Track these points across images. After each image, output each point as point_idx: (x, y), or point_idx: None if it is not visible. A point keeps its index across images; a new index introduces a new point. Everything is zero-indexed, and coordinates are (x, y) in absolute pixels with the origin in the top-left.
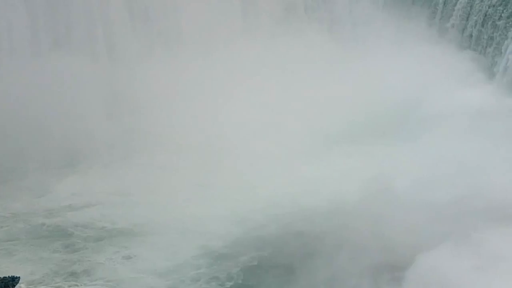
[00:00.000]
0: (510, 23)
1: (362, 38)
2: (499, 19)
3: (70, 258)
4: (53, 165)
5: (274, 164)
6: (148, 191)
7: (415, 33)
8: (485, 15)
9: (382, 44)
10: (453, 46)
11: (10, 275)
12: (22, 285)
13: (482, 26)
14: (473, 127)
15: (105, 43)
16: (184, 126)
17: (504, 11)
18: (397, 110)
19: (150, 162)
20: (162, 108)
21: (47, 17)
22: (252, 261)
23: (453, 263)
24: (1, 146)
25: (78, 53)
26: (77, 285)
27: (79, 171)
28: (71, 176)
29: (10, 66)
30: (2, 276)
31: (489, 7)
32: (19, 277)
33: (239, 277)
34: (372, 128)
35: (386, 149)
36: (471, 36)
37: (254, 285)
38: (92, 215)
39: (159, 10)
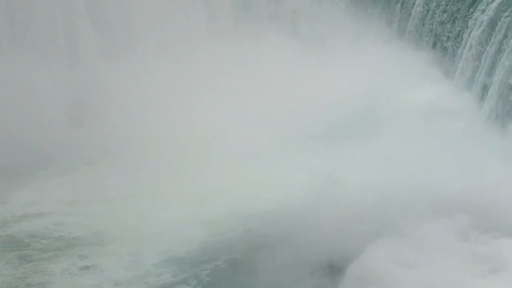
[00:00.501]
0: (466, 24)
1: (323, 38)
2: (455, 20)
3: (25, 270)
4: (9, 172)
5: (238, 167)
6: (108, 198)
7: (375, 34)
8: (442, 16)
9: (343, 45)
10: (411, 46)
11: None
12: None
13: (439, 26)
14: (427, 125)
15: (66, 45)
16: (148, 131)
17: (459, 11)
18: (356, 110)
19: (111, 168)
20: (125, 112)
21: (5, 17)
22: (219, 265)
23: (391, 260)
24: None
25: (38, 55)
26: None
27: (37, 179)
28: (28, 184)
29: None
30: None
31: (445, 10)
32: None
33: (206, 283)
34: (331, 129)
35: (342, 149)
36: (429, 36)
37: None
38: (49, 225)
39: (122, 13)
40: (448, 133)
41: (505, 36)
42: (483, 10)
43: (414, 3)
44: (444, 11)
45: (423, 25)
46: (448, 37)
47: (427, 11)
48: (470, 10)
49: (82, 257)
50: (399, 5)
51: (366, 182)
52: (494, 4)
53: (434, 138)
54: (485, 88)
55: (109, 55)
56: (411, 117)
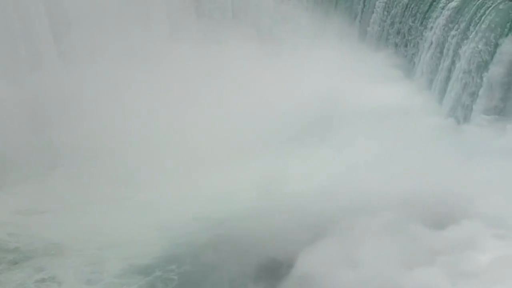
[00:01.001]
0: (426, 24)
1: (286, 39)
2: (414, 21)
3: None
4: None
5: (197, 173)
6: (66, 206)
7: (338, 35)
8: (403, 17)
9: (306, 46)
10: (373, 47)
11: None
12: None
13: (400, 27)
14: (387, 124)
15: (26, 50)
16: (109, 137)
17: (418, 13)
18: (315, 111)
19: (71, 175)
20: (86, 118)
21: None
22: (183, 271)
23: (331, 260)
24: None
25: None
26: None
27: None
28: None
29: None
30: None
31: (405, 8)
32: None
33: None
34: (288, 131)
35: (296, 152)
36: (390, 37)
37: None
38: (3, 235)
39: (82, 16)
40: (407, 132)
41: (463, 38)
42: (442, 7)
43: (375, 5)
44: (404, 13)
45: (384, 26)
46: (409, 38)
47: (388, 13)
48: (429, 10)
49: (38, 270)
50: (360, 6)
51: (317, 184)
52: (453, 3)
53: (393, 137)
54: (444, 87)
55: (69, 59)
56: (371, 117)
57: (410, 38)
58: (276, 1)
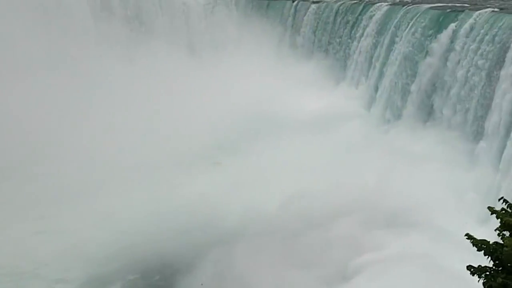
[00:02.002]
0: (355, 32)
1: (217, 50)
2: (345, 29)
3: None
4: None
5: (130, 186)
6: None
7: (269, 41)
8: (333, 25)
9: (237, 56)
10: (304, 53)
11: None
12: None
13: (331, 34)
14: (319, 131)
15: None
16: (25, 153)
17: (348, 21)
18: (247, 121)
19: None
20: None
21: None
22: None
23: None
24: None
25: None
26: None
27: None
28: None
29: None
30: None
31: (335, 16)
32: None
33: None
34: (223, 141)
35: (232, 163)
36: (321, 43)
37: None
38: None
39: (4, 24)
40: (339, 137)
41: (391, 45)
42: (371, 17)
43: (305, 13)
44: (334, 22)
45: (315, 34)
46: (339, 45)
47: (319, 21)
48: (358, 19)
49: None
50: (291, 14)
51: (237, 197)
52: (381, 11)
53: (322, 143)
54: (374, 93)
55: (4, 69)
56: (300, 124)
57: (340, 45)
58: (206, 8)
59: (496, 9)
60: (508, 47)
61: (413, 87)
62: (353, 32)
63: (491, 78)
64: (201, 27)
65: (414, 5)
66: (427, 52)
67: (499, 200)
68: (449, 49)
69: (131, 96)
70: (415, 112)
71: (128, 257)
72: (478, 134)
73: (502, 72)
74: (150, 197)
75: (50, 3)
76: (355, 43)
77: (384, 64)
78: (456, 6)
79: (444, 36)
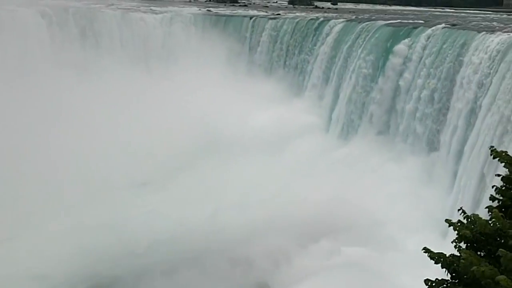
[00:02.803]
0: (312, 48)
1: (174, 65)
2: (302, 45)
3: None
4: None
5: (91, 206)
6: None
7: (227, 59)
8: (290, 41)
9: (193, 72)
10: (262, 70)
11: None
12: None
13: (287, 51)
14: (277, 146)
15: None
16: None
17: (306, 39)
18: (196, 139)
19: None
20: None
21: None
22: None
23: None
24: None
25: None
26: None
27: None
28: None
29: None
30: None
31: (292, 33)
32: None
33: None
34: (181, 158)
35: (177, 184)
36: (278, 61)
37: None
38: None
39: None
40: (293, 153)
41: (347, 61)
42: (327, 33)
43: (262, 31)
44: (291, 39)
45: (272, 52)
46: (296, 62)
47: (275, 39)
48: (314, 35)
49: None
50: (249, 32)
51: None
52: (336, 29)
53: (276, 160)
54: (330, 110)
55: None
56: (258, 141)
57: (297, 61)
58: (164, 24)
59: (448, 25)
60: (461, 61)
61: (369, 102)
62: (310, 48)
63: (445, 93)
64: (158, 43)
65: (369, 22)
66: (382, 68)
67: (458, 210)
68: (404, 64)
69: (84, 113)
70: (371, 127)
71: None
72: (433, 148)
73: (456, 87)
74: (81, 218)
75: (5, 18)
76: (312, 59)
77: (340, 80)
78: (410, 22)
79: (399, 52)
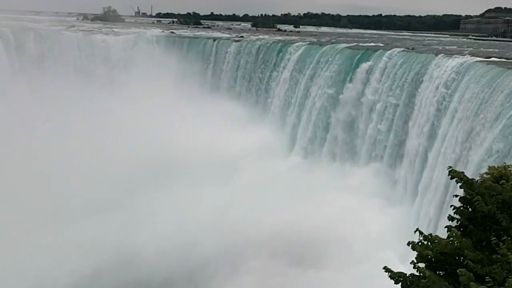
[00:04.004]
0: (275, 71)
1: (136, 88)
2: (265, 67)
3: None
4: None
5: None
6: None
7: (190, 82)
8: (253, 64)
9: (156, 94)
10: (226, 93)
11: None
12: None
13: (251, 74)
14: (238, 169)
15: None
16: None
17: (269, 62)
18: (150, 166)
19: None
20: None
21: None
22: None
23: None
24: None
25: None
26: None
27: None
28: None
29: None
30: None
31: (256, 55)
32: None
33: None
34: (144, 180)
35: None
36: (242, 83)
37: None
38: None
39: None
40: (257, 174)
41: (309, 83)
42: (290, 55)
43: (226, 53)
44: (255, 62)
45: (235, 74)
46: (259, 85)
47: (239, 62)
48: (277, 59)
49: None
50: (212, 56)
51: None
52: (298, 53)
53: (244, 181)
54: (295, 130)
55: None
56: (221, 163)
57: (261, 84)
58: (126, 46)
59: (406, 49)
60: (421, 81)
61: (331, 124)
62: (273, 70)
63: (405, 114)
64: (120, 65)
65: (331, 45)
66: (344, 89)
67: (415, 231)
68: (365, 86)
69: (36, 133)
70: (333, 149)
71: None
72: (396, 167)
73: (415, 109)
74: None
75: None
76: (275, 82)
77: (303, 102)
78: (370, 46)
79: (359, 74)
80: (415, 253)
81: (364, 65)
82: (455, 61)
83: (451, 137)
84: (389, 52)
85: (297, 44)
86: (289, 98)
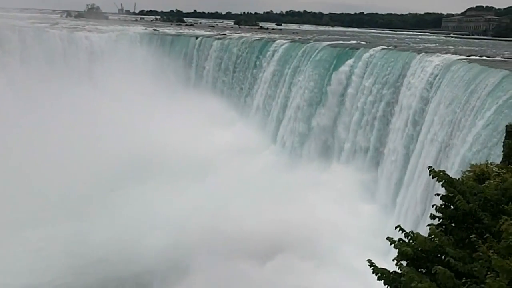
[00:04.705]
0: (257, 69)
1: (119, 85)
2: (248, 65)
3: None
4: None
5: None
6: None
7: (173, 79)
8: (236, 62)
9: (139, 91)
10: (209, 91)
11: None
12: None
13: (233, 71)
14: (221, 167)
15: None
16: None
17: (251, 59)
18: (153, 157)
19: None
20: None
21: None
22: None
23: None
24: None
25: None
26: None
27: None
28: None
29: None
30: None
31: (238, 52)
32: None
33: None
34: (126, 179)
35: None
36: (225, 80)
37: None
38: None
39: None
40: (245, 172)
41: (292, 81)
42: (272, 53)
43: (209, 50)
44: (237, 60)
45: (218, 72)
46: (242, 83)
47: (221, 59)
48: (259, 57)
49: None
50: (195, 54)
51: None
52: (281, 49)
53: (227, 179)
54: (277, 127)
55: None
56: (204, 161)
57: (244, 81)
58: (109, 43)
59: (390, 47)
60: (403, 79)
61: (314, 122)
62: (255, 68)
63: (387, 113)
64: (103, 62)
65: (313, 42)
66: (326, 88)
67: (395, 228)
68: (347, 85)
69: (15, 126)
70: (316, 147)
71: None
72: (376, 166)
73: (396, 108)
74: None
75: None
76: (257, 79)
77: (286, 100)
78: (352, 43)
79: (342, 73)
80: (394, 252)
81: (347, 63)
82: (437, 60)
83: (433, 135)
84: (371, 50)
85: (279, 42)
86: (272, 96)
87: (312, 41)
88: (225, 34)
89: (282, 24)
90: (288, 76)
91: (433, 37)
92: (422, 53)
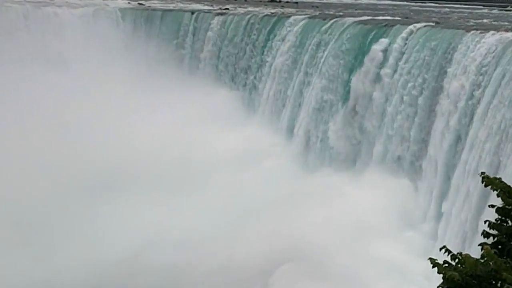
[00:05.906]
0: (268, 52)
1: (95, 67)
2: (256, 47)
3: None
4: None
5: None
6: None
7: (162, 65)
8: (241, 43)
9: (120, 78)
10: (207, 84)
11: None
12: None
13: (238, 55)
14: (228, 169)
15: None
16: None
17: (260, 40)
18: (129, 166)
19: None
20: None
21: None
22: None
23: None
24: None
25: None
26: None
27: None
28: None
29: None
30: None
31: (244, 32)
32: None
33: None
34: (117, 183)
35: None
36: (225, 72)
37: None
38: None
39: None
40: (258, 175)
41: (310, 67)
42: (286, 32)
43: (207, 29)
44: (242, 39)
45: (219, 56)
46: (249, 69)
47: (223, 40)
48: (270, 37)
49: None
50: (190, 33)
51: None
52: (295, 30)
53: (234, 183)
54: (291, 126)
55: None
56: (209, 165)
57: (251, 68)
58: (83, 20)
59: (431, 23)
60: (447, 67)
61: (336, 119)
62: (265, 51)
63: (428, 109)
64: (76, 40)
65: (336, 19)
66: (351, 77)
67: (440, 249)
68: (378, 73)
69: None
70: (338, 149)
71: None
72: (416, 174)
73: (439, 103)
74: None
75: None
76: (268, 65)
77: (303, 90)
78: (386, 19)
79: (373, 56)
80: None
81: (378, 45)
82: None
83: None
84: (409, 27)
85: (294, 18)
86: (285, 87)
87: (335, 17)
88: (227, 9)
89: None
90: (305, 61)
91: (487, 10)
92: (472, 31)
